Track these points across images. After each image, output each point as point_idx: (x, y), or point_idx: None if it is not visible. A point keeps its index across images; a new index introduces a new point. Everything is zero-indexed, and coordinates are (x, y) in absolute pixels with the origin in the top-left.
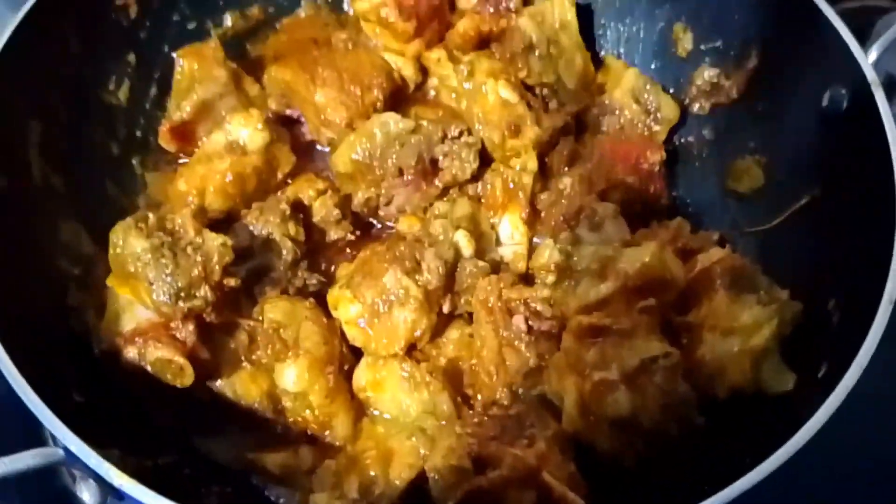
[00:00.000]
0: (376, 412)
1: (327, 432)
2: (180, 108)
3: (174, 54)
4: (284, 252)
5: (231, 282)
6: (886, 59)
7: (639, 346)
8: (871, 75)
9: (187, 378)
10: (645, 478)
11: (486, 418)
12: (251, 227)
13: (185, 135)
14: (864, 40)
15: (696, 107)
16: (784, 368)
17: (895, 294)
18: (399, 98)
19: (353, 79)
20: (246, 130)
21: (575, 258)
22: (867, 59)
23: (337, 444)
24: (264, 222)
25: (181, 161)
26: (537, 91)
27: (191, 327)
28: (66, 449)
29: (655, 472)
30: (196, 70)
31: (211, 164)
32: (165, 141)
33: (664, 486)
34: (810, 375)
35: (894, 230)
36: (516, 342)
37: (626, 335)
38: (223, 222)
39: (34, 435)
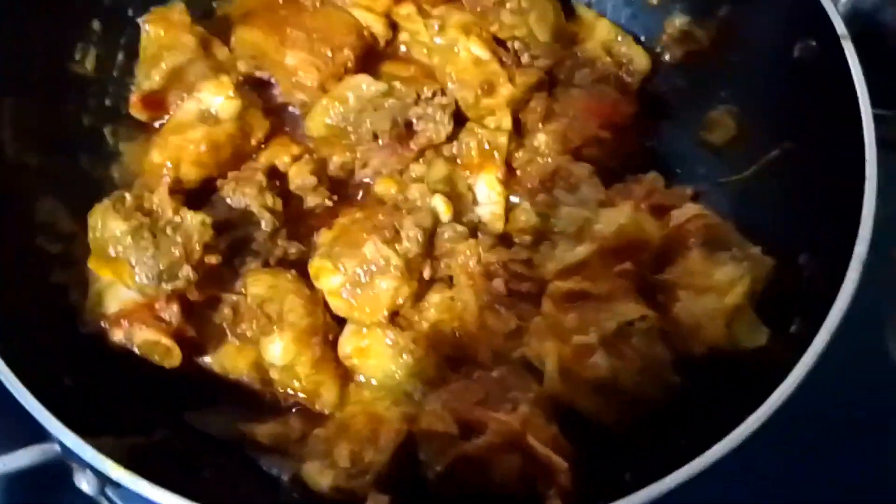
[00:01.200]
0: (363, 378)
1: (315, 400)
2: (149, 78)
3: (139, 20)
4: (263, 223)
5: (212, 259)
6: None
7: (616, 309)
8: (840, 29)
9: (175, 359)
10: (628, 439)
11: (470, 383)
12: (228, 200)
13: (157, 103)
14: None
15: (668, 56)
16: (758, 324)
17: (865, 251)
18: (370, 56)
19: (322, 39)
20: (218, 98)
21: (552, 220)
22: (837, 13)
23: (326, 412)
24: (241, 194)
25: (156, 125)
26: (509, 45)
27: (175, 307)
28: (60, 443)
29: (638, 433)
30: (163, 36)
31: (184, 134)
32: (137, 111)
33: (647, 447)
34: (784, 331)
35: (863, 185)
36: (497, 305)
37: (604, 299)
38: (200, 191)
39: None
